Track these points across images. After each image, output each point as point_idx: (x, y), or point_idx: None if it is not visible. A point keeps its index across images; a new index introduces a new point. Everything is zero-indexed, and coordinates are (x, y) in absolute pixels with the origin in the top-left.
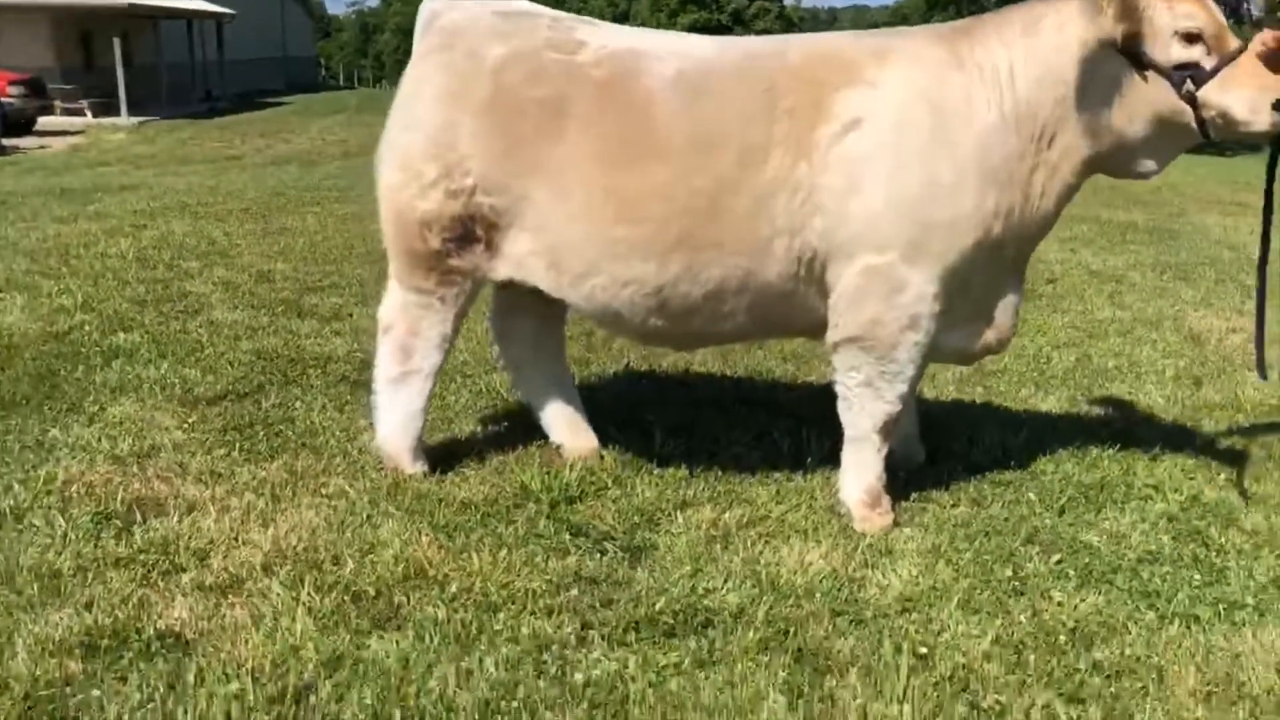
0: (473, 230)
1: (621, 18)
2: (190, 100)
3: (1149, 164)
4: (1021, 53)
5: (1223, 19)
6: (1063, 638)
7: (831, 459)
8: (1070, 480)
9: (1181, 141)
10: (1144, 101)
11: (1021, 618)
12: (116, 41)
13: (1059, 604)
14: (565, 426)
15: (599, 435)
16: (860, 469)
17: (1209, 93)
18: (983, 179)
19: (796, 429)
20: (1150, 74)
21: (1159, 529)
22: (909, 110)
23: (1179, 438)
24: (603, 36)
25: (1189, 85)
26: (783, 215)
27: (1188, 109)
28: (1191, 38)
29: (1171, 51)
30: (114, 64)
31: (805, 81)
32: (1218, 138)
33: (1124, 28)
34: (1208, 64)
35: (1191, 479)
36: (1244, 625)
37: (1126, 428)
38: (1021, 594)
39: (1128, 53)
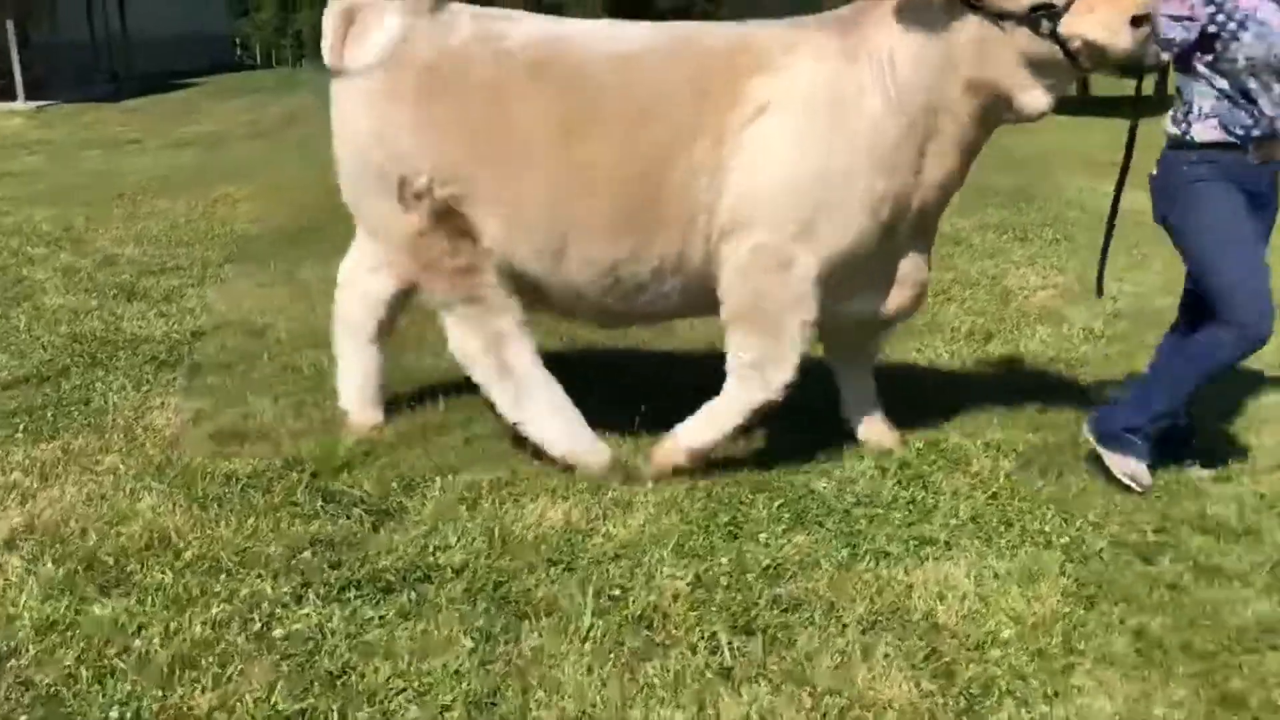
0: (458, 224)
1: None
2: (95, 81)
3: (1039, 102)
4: (897, 35)
5: None
6: (753, 575)
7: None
8: (822, 432)
9: (1062, 75)
10: (1013, 51)
11: (724, 559)
12: (9, 23)
13: (765, 545)
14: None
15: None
16: (708, 427)
17: (1068, 25)
18: (873, 165)
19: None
20: (1009, 23)
21: (888, 475)
22: (810, 98)
23: (943, 389)
24: (524, 25)
25: (1046, 23)
26: (704, 193)
27: (1055, 47)
28: None
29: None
30: (7, 45)
31: (724, 66)
32: (1093, 68)
33: None
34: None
35: (938, 428)
36: (928, 560)
37: (896, 382)
38: (736, 538)
39: (984, 10)
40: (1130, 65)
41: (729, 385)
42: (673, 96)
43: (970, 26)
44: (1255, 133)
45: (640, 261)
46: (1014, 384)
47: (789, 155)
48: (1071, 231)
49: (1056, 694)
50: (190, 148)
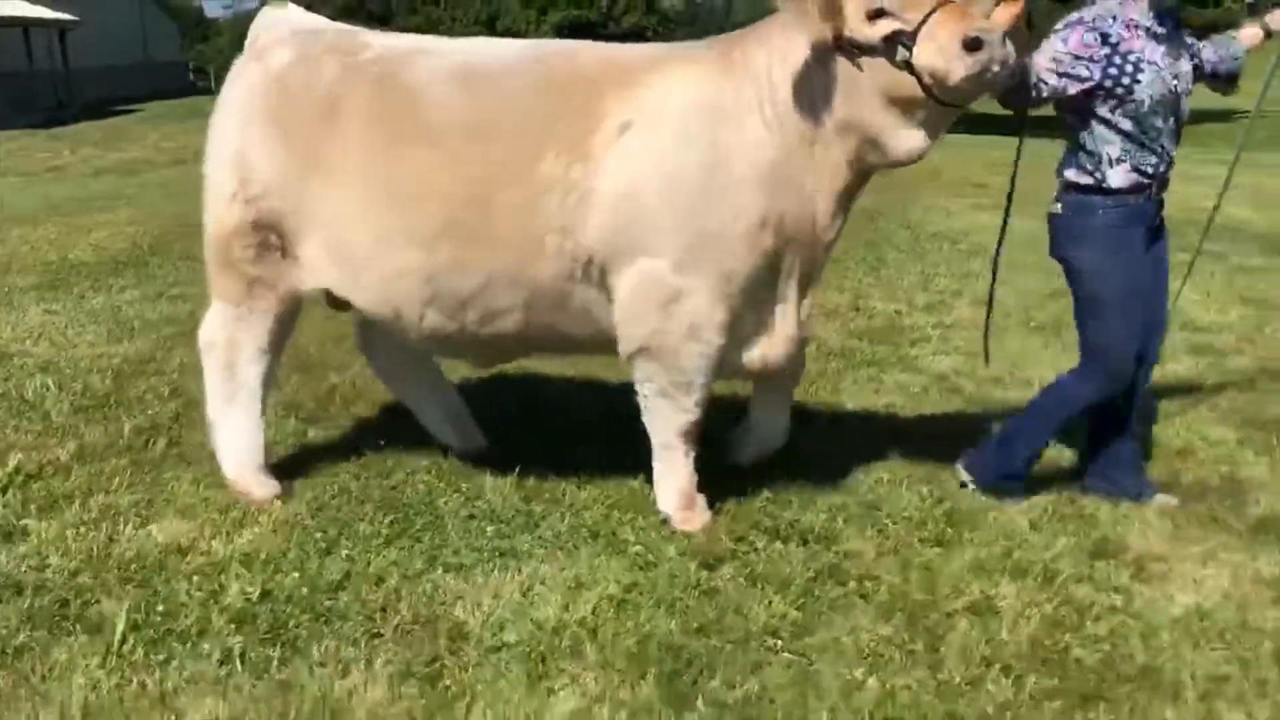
0: (269, 238)
1: (493, 17)
2: (36, 109)
3: (908, 144)
4: (779, 60)
5: None
6: (315, 590)
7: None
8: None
9: (928, 113)
10: (873, 86)
11: (294, 573)
12: None
13: (349, 559)
14: (450, 427)
15: None
16: (671, 475)
17: (916, 56)
18: (753, 186)
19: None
20: (868, 58)
21: (522, 491)
22: (681, 114)
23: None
24: (388, 40)
25: (901, 51)
26: (556, 214)
27: (911, 79)
28: (880, 13)
29: (870, 31)
30: None
31: (586, 84)
32: (949, 98)
33: (831, 25)
34: (910, 26)
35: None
36: (494, 570)
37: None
38: (329, 552)
39: (843, 46)
40: (973, 96)
41: (651, 428)
42: (517, 113)
43: (838, 62)
44: (1161, 169)
45: (462, 274)
46: None
47: (661, 176)
48: (885, 253)
49: (532, 691)
50: (110, 174)
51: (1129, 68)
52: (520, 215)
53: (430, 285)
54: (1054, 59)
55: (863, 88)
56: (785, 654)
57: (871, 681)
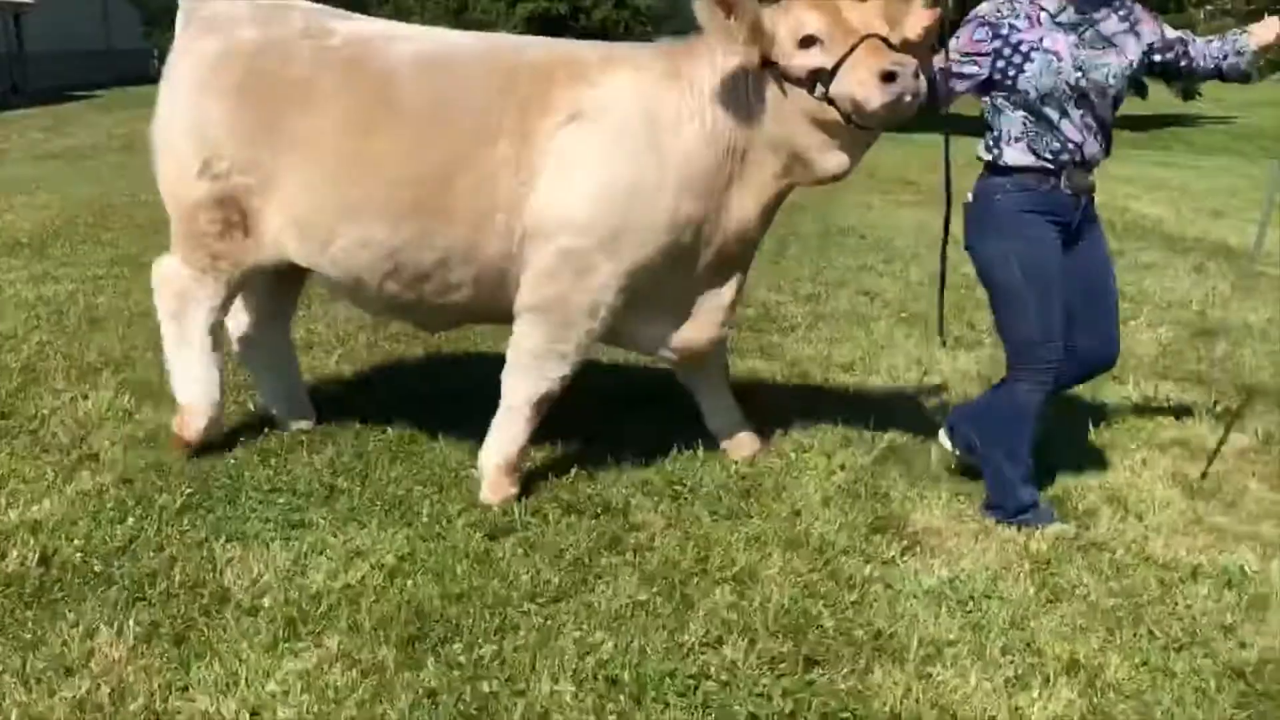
0: (232, 215)
1: (462, 7)
2: None
3: (833, 163)
4: (718, 75)
5: (852, 13)
6: (92, 556)
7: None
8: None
9: (848, 137)
10: (798, 110)
11: (77, 540)
12: None
13: (137, 527)
14: (284, 402)
15: None
16: (506, 438)
17: (836, 87)
18: (681, 187)
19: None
20: (791, 85)
21: (332, 466)
22: (625, 113)
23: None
24: (354, 24)
25: (820, 87)
26: (504, 193)
27: (832, 108)
28: (808, 41)
29: (796, 60)
30: None
31: (539, 75)
32: (866, 124)
33: (757, 48)
34: (831, 62)
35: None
36: (278, 539)
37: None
38: (120, 521)
39: (769, 68)
40: (889, 121)
41: (508, 385)
42: (477, 99)
43: (764, 83)
44: (1064, 157)
45: (423, 249)
46: None
47: (598, 166)
48: (789, 244)
49: (270, 651)
50: (55, 160)
51: (1017, 59)
52: (475, 195)
53: (392, 259)
54: (947, 59)
55: (790, 109)
56: (535, 618)
57: (609, 644)
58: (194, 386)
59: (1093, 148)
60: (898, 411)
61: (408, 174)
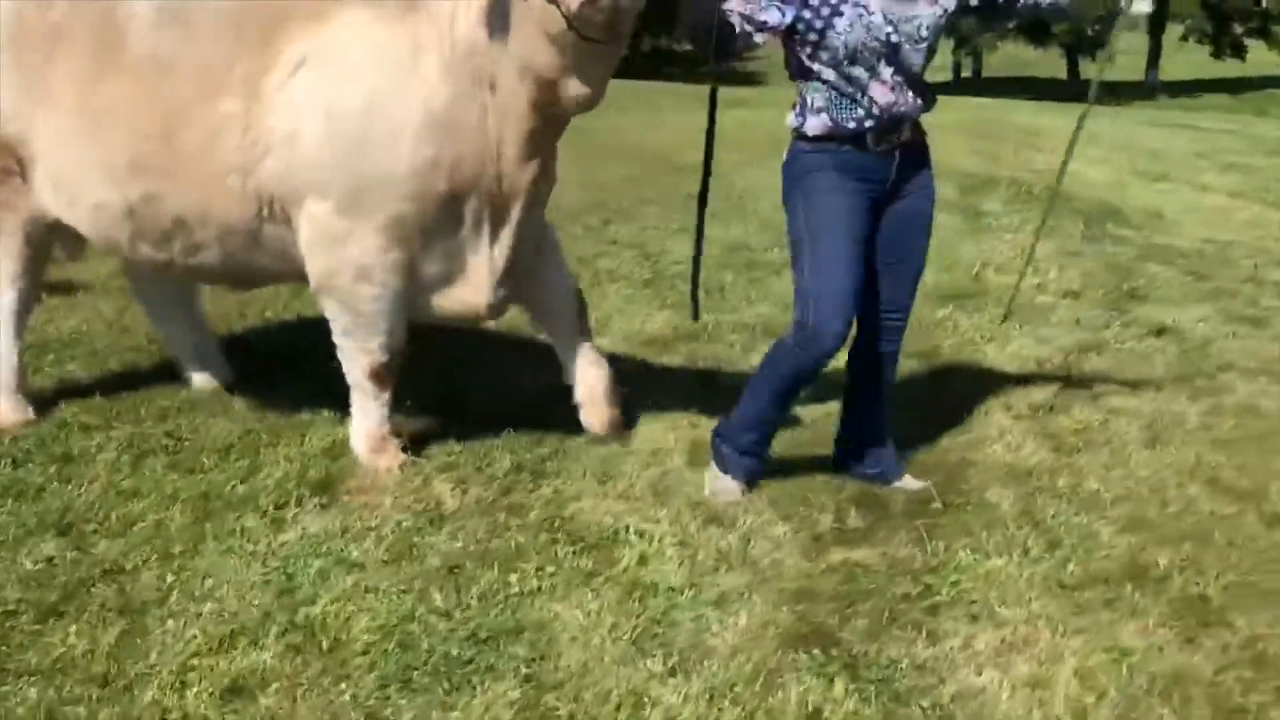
0: (10, 162)
1: None
2: None
3: (577, 88)
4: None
5: None
6: None
7: None
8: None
9: (582, 52)
10: (538, 24)
11: None
12: None
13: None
14: (195, 360)
15: None
16: (362, 416)
17: None
18: (421, 129)
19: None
20: None
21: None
22: (353, 54)
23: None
24: None
25: None
26: (234, 153)
27: (557, 15)
28: None
29: None
30: None
31: (270, 21)
32: (588, 33)
33: None
34: None
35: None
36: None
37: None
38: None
39: None
40: (609, 30)
41: (345, 368)
42: (204, 51)
43: (518, 5)
44: (868, 124)
45: (157, 210)
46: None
47: (326, 116)
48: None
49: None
50: None
51: (825, 10)
52: (200, 153)
53: (130, 219)
54: (746, 2)
55: (531, 27)
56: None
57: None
58: None
59: (904, 106)
60: None
61: (131, 130)
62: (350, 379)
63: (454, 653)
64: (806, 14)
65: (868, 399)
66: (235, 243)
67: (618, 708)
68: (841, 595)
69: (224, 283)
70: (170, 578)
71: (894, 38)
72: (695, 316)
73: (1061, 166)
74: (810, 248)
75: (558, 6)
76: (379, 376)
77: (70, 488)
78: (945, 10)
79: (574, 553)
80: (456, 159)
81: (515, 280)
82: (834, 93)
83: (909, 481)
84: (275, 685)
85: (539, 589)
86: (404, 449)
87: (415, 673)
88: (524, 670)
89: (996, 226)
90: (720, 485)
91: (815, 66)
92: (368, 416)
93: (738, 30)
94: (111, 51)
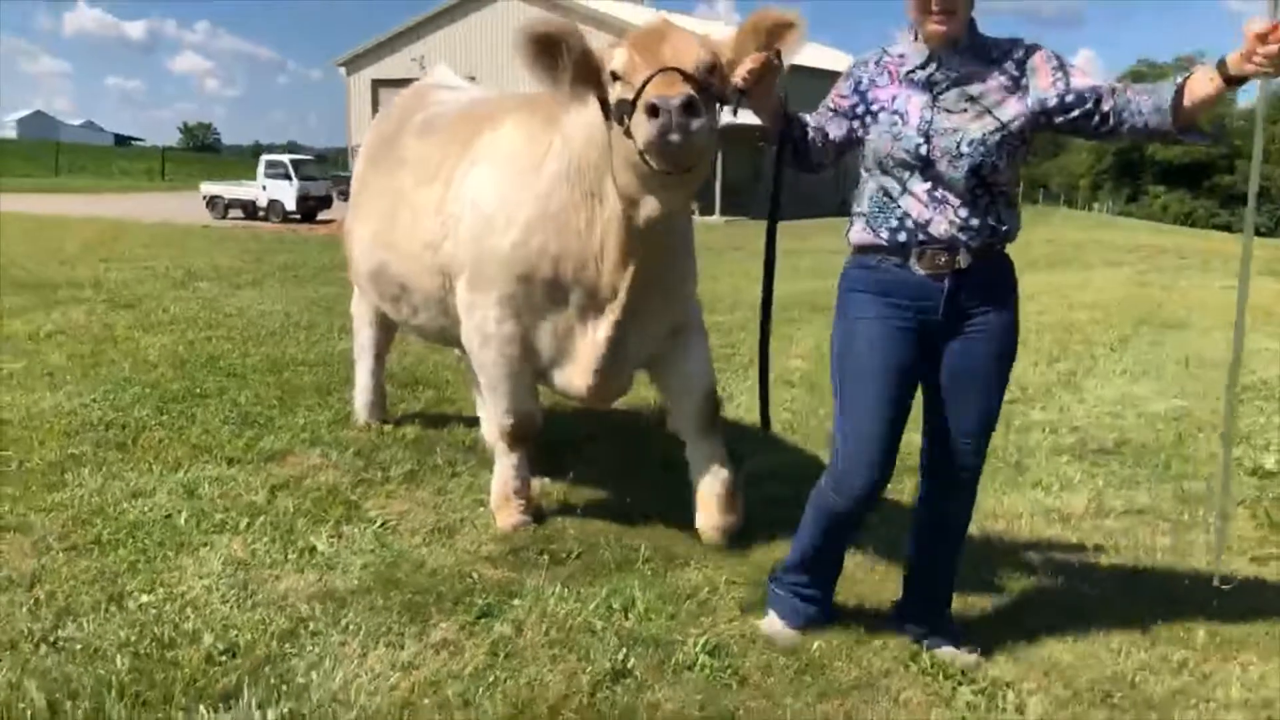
0: None
1: None
2: None
3: (649, 209)
4: (573, 115)
5: (666, 47)
6: None
7: None
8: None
9: (656, 180)
10: (621, 150)
11: None
12: None
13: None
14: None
15: None
16: (497, 471)
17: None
18: (534, 219)
19: None
20: (611, 122)
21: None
22: (501, 156)
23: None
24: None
25: (625, 121)
26: (432, 231)
27: (634, 145)
28: (615, 76)
29: (611, 96)
30: None
31: (475, 123)
32: (656, 165)
33: (588, 90)
34: (631, 95)
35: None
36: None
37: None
38: None
39: (606, 111)
40: (679, 162)
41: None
42: (430, 149)
43: (612, 126)
44: (901, 237)
45: (389, 275)
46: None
47: (473, 204)
48: None
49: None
50: None
51: (868, 118)
52: (415, 231)
53: (376, 282)
54: (818, 112)
55: (619, 150)
56: None
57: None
58: None
59: (942, 226)
60: None
61: (379, 209)
62: (489, 439)
63: None
64: (855, 121)
65: (928, 547)
66: (434, 309)
67: None
68: None
69: (443, 343)
70: None
71: (925, 150)
72: (765, 427)
73: None
74: (840, 383)
75: (634, 142)
76: (510, 438)
77: None
78: (1004, 126)
79: None
80: (561, 252)
81: (626, 372)
82: (872, 201)
83: (957, 653)
84: None
85: None
86: (525, 510)
87: None
88: None
89: None
90: (774, 630)
91: (862, 171)
92: (499, 473)
93: (813, 139)
94: (388, 149)
